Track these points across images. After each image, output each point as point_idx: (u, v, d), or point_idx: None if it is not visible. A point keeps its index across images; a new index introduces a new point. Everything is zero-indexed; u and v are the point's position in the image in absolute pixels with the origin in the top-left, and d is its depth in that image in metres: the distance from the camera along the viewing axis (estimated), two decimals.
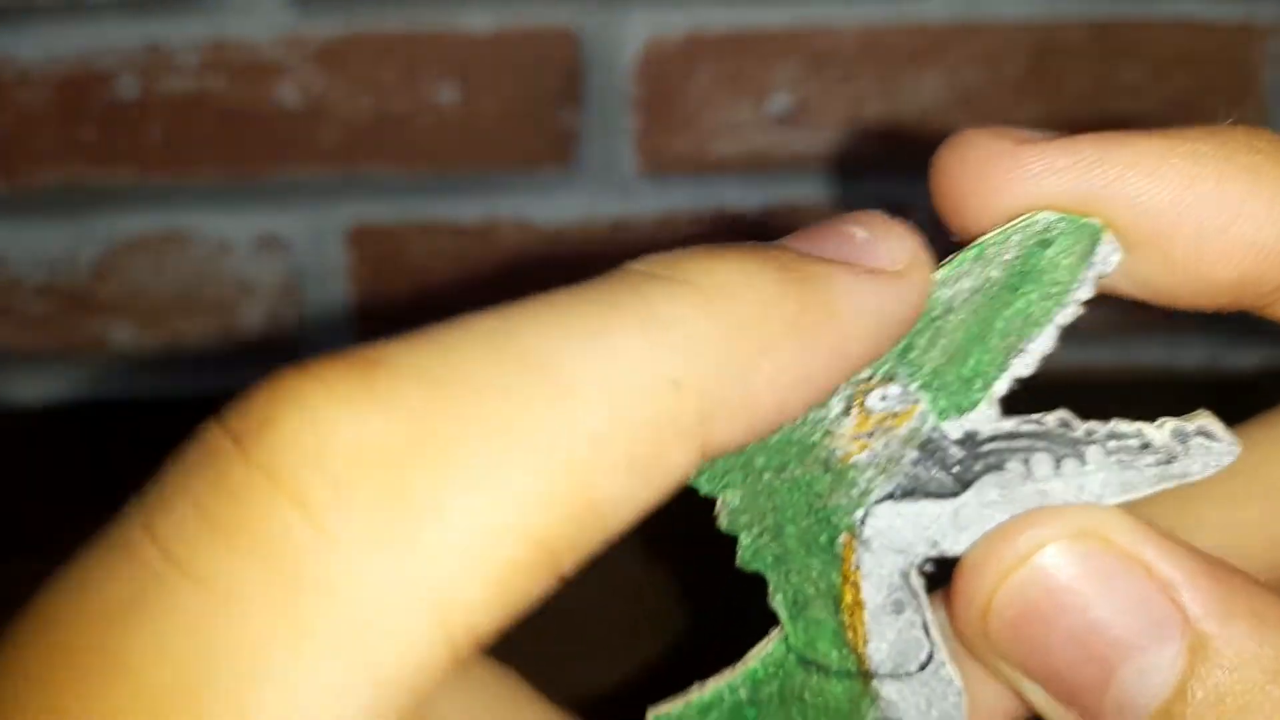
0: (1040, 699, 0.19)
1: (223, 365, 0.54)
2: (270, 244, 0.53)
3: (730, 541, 0.20)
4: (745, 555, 0.20)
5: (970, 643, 0.19)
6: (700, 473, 0.19)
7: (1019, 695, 0.20)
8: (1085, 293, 0.18)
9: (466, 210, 0.54)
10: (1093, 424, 0.19)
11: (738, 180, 0.54)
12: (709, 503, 0.19)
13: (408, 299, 0.54)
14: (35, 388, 0.55)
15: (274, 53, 0.51)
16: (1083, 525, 0.18)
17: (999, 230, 0.19)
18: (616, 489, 0.15)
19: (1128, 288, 0.19)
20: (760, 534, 0.20)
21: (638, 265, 0.17)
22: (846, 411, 0.19)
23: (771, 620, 0.20)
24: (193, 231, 0.53)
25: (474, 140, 0.52)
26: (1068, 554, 0.18)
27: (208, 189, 0.53)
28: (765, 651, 0.20)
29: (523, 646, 0.19)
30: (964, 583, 0.19)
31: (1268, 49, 0.54)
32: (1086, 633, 0.18)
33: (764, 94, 0.53)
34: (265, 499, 0.14)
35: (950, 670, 0.19)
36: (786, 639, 0.20)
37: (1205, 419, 0.18)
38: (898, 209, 0.18)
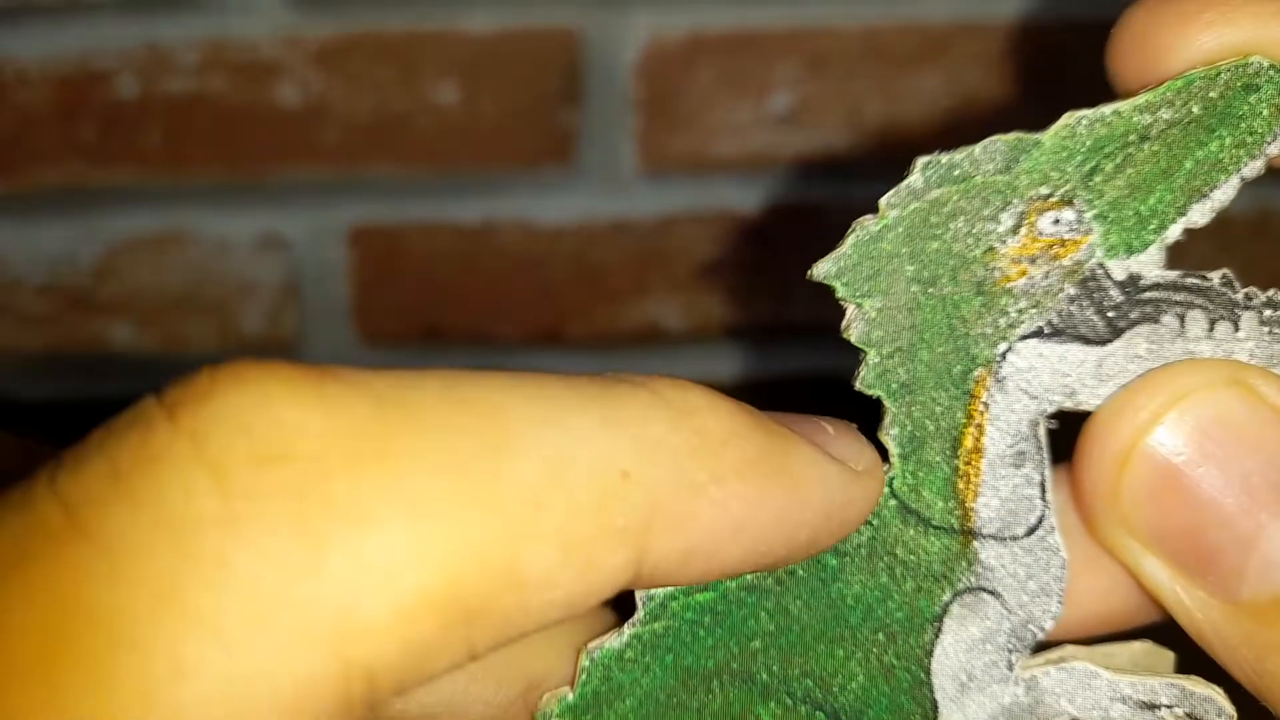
0: (1162, 576, 0.18)
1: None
2: (270, 244, 0.53)
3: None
4: (869, 375, 0.19)
5: (1095, 509, 0.18)
6: (840, 274, 0.18)
7: (1134, 575, 0.18)
8: (1275, 148, 0.18)
9: (466, 210, 0.54)
10: (1253, 289, 0.18)
11: (738, 180, 0.54)
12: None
13: (408, 299, 0.54)
14: (35, 388, 0.55)
15: (274, 53, 0.51)
16: (1232, 376, 0.18)
17: (1209, 66, 0.18)
18: (544, 566, 0.14)
19: None
20: (891, 354, 0.18)
21: (612, 373, 0.16)
22: (1015, 229, 0.18)
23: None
24: (193, 231, 0.53)
25: (474, 140, 0.52)
26: (1216, 404, 0.18)
27: (208, 189, 0.53)
28: None
29: None
30: (1099, 435, 0.18)
31: None
32: (1237, 485, 0.17)
33: (764, 94, 0.53)
34: (181, 465, 0.13)
35: (1058, 539, 0.19)
36: (891, 481, 0.19)
37: None
38: None
